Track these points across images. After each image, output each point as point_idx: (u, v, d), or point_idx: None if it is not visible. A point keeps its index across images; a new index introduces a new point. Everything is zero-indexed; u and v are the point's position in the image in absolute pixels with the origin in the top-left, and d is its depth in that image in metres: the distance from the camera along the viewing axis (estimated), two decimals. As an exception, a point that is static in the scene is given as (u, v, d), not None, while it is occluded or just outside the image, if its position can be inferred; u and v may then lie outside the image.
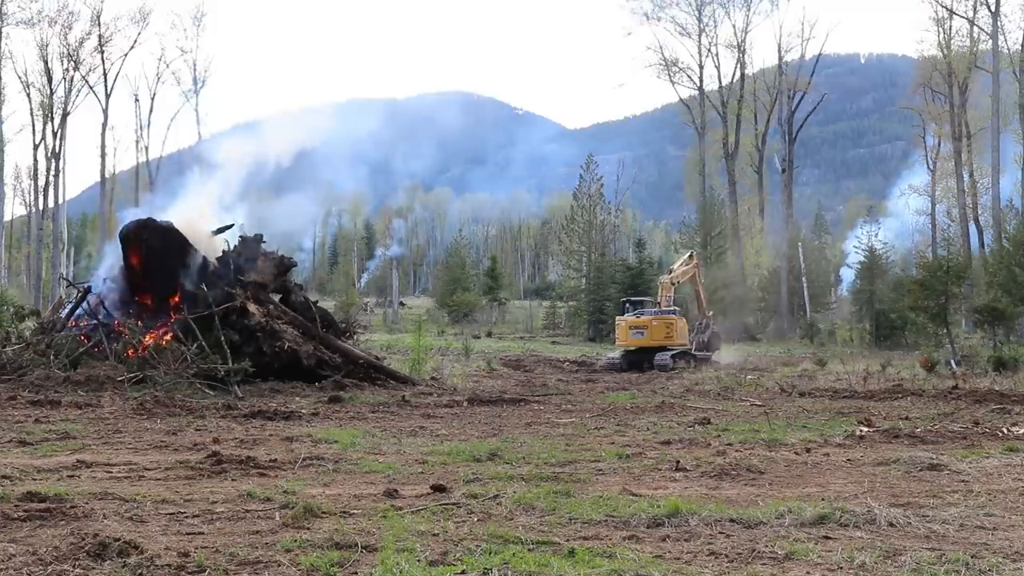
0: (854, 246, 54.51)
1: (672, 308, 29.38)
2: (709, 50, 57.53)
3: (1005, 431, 11.68)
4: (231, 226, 20.07)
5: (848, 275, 63.28)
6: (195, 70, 60.31)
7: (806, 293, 53.07)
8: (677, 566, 5.33)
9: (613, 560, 5.38)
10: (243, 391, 15.87)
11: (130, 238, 18.85)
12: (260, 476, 8.35)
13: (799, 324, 48.92)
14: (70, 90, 55.75)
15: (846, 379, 20.31)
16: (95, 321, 18.11)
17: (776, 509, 6.69)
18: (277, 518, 6.45)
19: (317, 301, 20.91)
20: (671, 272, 30.44)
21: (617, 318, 29.48)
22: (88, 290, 19.23)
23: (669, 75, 58.24)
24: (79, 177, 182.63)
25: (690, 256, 32.33)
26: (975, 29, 48.00)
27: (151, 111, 61.17)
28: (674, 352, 27.26)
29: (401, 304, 74.85)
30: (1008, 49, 47.08)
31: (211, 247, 19.47)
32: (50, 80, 55.43)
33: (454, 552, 5.51)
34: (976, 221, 49.01)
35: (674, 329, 27.90)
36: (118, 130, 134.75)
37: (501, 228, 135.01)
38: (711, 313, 31.59)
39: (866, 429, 11.74)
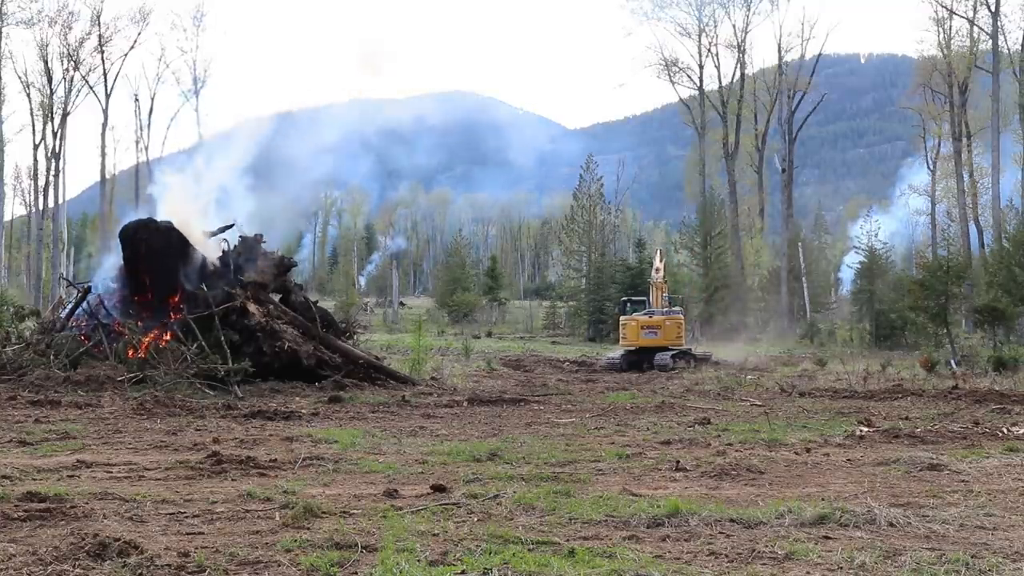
0: (854, 246, 54.50)
1: (677, 308, 29.54)
2: (709, 50, 57.54)
3: (1005, 431, 11.69)
4: (231, 226, 20.08)
5: (848, 274, 63.27)
6: (195, 70, 60.29)
7: (806, 293, 53.05)
8: (677, 566, 5.33)
9: (613, 560, 5.39)
10: (243, 391, 15.87)
11: (130, 238, 18.84)
12: (260, 476, 8.35)
13: (799, 324, 48.89)
14: (70, 90, 55.74)
15: (846, 379, 20.31)
16: (95, 321, 18.10)
17: (776, 509, 6.70)
18: (277, 518, 6.46)
19: (317, 301, 20.91)
20: (658, 272, 30.56)
21: (622, 318, 29.41)
22: (88, 290, 19.23)
23: (669, 75, 58.24)
24: (79, 177, 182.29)
25: (659, 253, 33.10)
26: (975, 29, 48.02)
27: (151, 111, 61.16)
28: (674, 352, 27.26)
29: (401, 304, 74.80)
30: (1008, 49, 47.09)
31: (211, 247, 19.47)
32: (50, 80, 55.42)
33: (454, 552, 5.51)
34: (976, 221, 49.00)
35: (682, 329, 28.22)
36: (118, 130, 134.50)
37: (501, 228, 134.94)
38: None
39: (866, 429, 11.74)
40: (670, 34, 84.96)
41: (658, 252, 34.39)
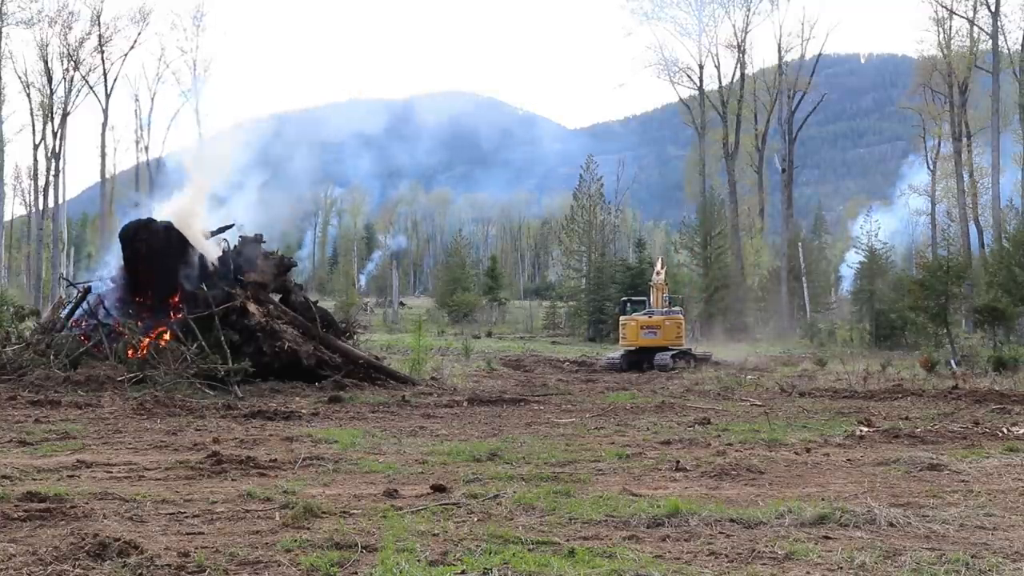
0: (854, 245, 54.47)
1: (677, 308, 29.63)
2: (709, 50, 57.50)
3: (1005, 431, 11.68)
4: (231, 226, 20.08)
5: (848, 272, 63.26)
6: (195, 70, 60.29)
7: (806, 293, 53.03)
8: (677, 566, 5.33)
9: (613, 560, 5.39)
10: (243, 391, 15.87)
11: (130, 238, 18.85)
12: (260, 476, 8.35)
13: (799, 324, 48.89)
14: (70, 90, 55.71)
15: (846, 379, 20.30)
16: (95, 321, 18.11)
17: (776, 509, 6.70)
18: (277, 518, 6.46)
19: (317, 301, 20.91)
20: (659, 274, 30.71)
21: (622, 318, 29.43)
22: (88, 290, 19.23)
23: (669, 75, 58.23)
24: (79, 177, 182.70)
25: (660, 260, 33.25)
26: (975, 29, 48.02)
27: (151, 111, 61.21)
28: (674, 352, 27.27)
29: (401, 304, 74.80)
30: (1008, 49, 47.08)
31: (211, 247, 19.48)
32: (50, 80, 55.39)
33: (454, 552, 5.51)
34: (976, 221, 48.99)
35: (682, 329, 28.26)
36: (118, 130, 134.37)
37: (501, 228, 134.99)
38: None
39: (866, 429, 11.74)
40: (670, 34, 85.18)
41: (660, 259, 34.54)
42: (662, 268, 31.38)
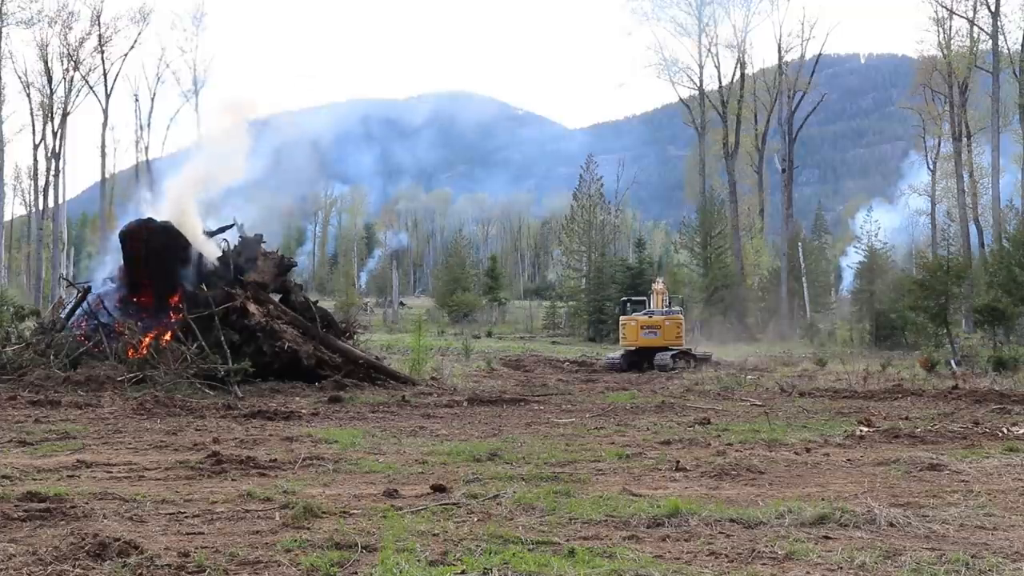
0: (853, 247, 54.42)
1: (677, 308, 29.71)
2: (709, 50, 57.43)
3: (1005, 431, 11.68)
4: (231, 226, 20.07)
5: (848, 270, 63.24)
6: (195, 70, 60.24)
7: (806, 293, 53.02)
8: (677, 566, 5.33)
9: (613, 560, 5.39)
10: (243, 391, 15.87)
11: (130, 238, 18.84)
12: (260, 476, 8.35)
13: (799, 324, 48.88)
14: (70, 90, 55.67)
15: (846, 379, 20.30)
16: (95, 321, 18.10)
17: (776, 509, 6.70)
18: (277, 518, 6.46)
19: (317, 301, 20.90)
20: (657, 282, 30.89)
21: (622, 318, 29.46)
22: (88, 290, 19.24)
23: (669, 75, 58.18)
24: (79, 177, 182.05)
25: (660, 280, 33.41)
26: (975, 29, 48.01)
27: (151, 111, 61.13)
28: (674, 352, 27.28)
29: (401, 304, 74.77)
30: (1008, 49, 47.05)
31: (211, 247, 19.48)
32: (50, 80, 55.36)
33: (454, 552, 5.51)
34: (976, 221, 48.99)
35: (682, 329, 28.34)
36: (118, 130, 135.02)
37: (501, 228, 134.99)
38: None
39: (866, 429, 11.74)
40: (670, 34, 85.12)
41: (660, 280, 34.54)
42: (662, 282, 31.57)
